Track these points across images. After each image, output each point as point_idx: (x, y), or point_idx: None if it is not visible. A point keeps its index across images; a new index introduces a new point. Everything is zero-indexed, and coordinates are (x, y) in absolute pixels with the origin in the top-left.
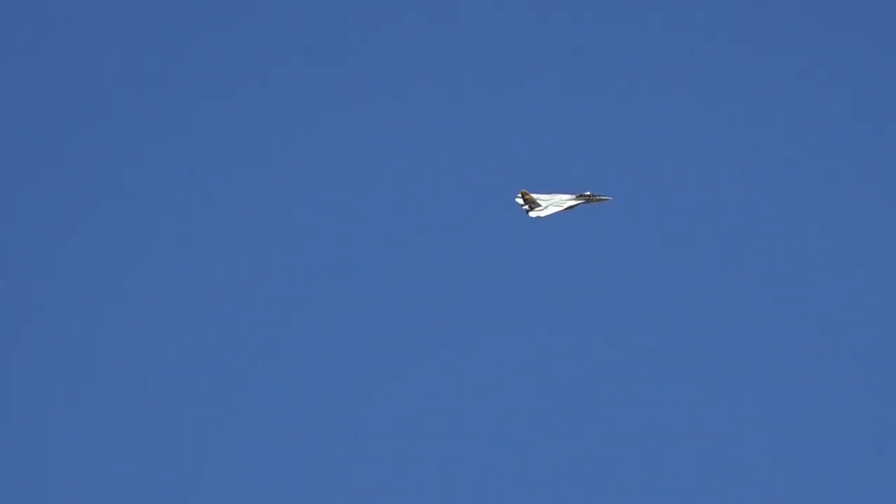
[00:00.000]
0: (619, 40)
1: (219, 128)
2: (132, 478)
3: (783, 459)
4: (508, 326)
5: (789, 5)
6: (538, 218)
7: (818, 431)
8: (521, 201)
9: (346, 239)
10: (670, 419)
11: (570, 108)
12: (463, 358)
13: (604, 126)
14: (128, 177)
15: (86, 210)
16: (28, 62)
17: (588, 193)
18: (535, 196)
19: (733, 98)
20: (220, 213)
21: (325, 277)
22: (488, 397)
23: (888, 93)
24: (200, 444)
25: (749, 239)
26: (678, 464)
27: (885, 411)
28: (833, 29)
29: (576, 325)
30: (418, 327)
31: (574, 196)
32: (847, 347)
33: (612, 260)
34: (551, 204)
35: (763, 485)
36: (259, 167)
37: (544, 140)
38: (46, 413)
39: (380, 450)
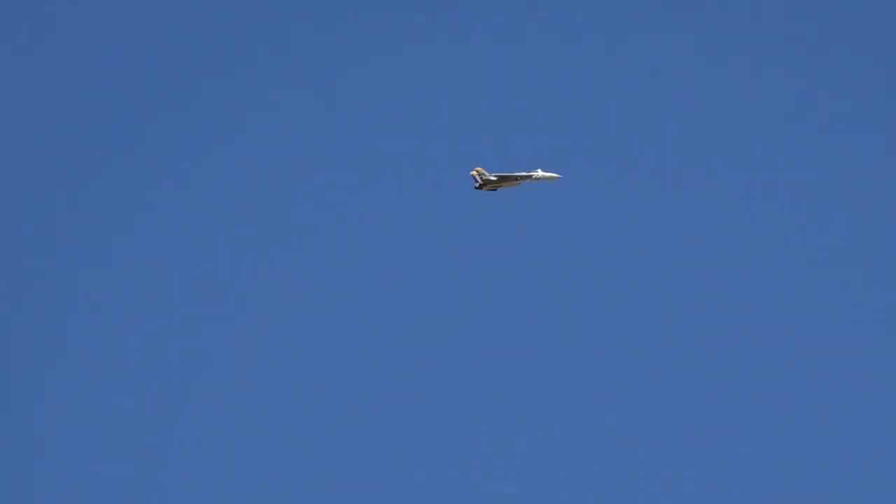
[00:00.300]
0: (607, 35)
1: (206, 126)
2: (126, 478)
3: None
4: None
5: (788, 6)
6: (487, 187)
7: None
8: (478, 178)
9: (333, 235)
10: (652, 412)
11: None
12: (428, 338)
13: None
14: (121, 175)
15: (80, 208)
16: (23, 61)
17: (539, 172)
18: (487, 174)
19: (720, 92)
20: (204, 211)
21: (316, 274)
22: (478, 392)
23: (887, 94)
24: (193, 444)
25: (735, 236)
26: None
27: (881, 415)
28: (831, 29)
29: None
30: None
31: (524, 173)
32: (835, 347)
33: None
34: (501, 178)
35: (748, 483)
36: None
37: (507, 132)
38: (33, 415)
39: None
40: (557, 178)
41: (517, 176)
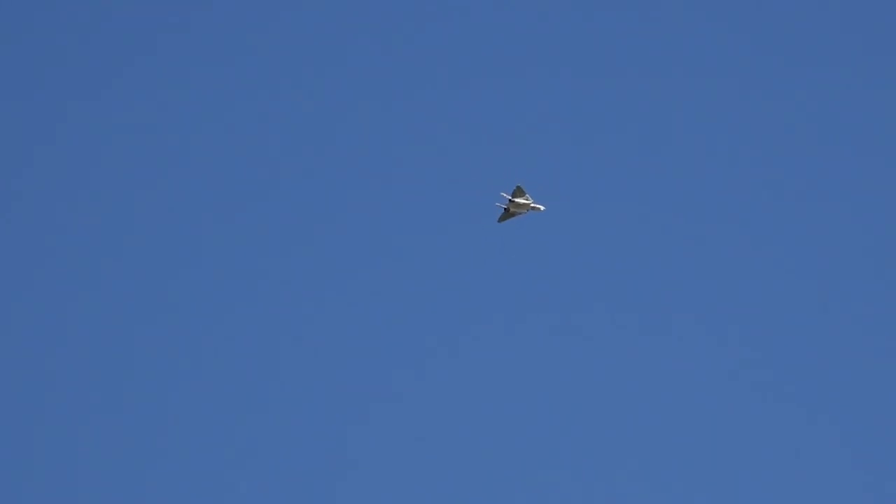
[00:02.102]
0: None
1: (208, 126)
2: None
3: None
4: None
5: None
6: (509, 211)
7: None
8: (508, 199)
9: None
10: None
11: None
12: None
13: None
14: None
15: (79, 208)
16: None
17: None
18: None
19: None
20: (203, 212)
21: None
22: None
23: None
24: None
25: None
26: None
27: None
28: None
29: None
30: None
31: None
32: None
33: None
34: (522, 205)
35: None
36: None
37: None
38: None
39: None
40: (542, 209)
41: (527, 199)
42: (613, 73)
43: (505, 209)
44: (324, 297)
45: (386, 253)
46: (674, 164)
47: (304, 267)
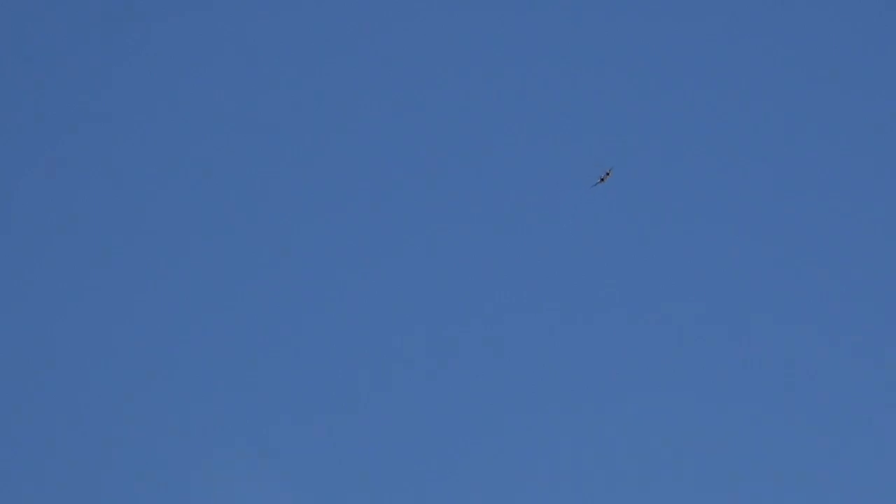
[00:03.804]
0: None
1: (216, 128)
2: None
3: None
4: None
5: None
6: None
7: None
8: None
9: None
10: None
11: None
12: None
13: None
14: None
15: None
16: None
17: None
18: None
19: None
20: (215, 213)
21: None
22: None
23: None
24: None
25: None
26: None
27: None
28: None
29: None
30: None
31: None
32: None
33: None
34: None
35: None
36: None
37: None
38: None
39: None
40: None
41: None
42: (613, 71)
43: (600, 179)
44: (318, 298)
45: (384, 252)
46: (671, 164)
47: (297, 268)
